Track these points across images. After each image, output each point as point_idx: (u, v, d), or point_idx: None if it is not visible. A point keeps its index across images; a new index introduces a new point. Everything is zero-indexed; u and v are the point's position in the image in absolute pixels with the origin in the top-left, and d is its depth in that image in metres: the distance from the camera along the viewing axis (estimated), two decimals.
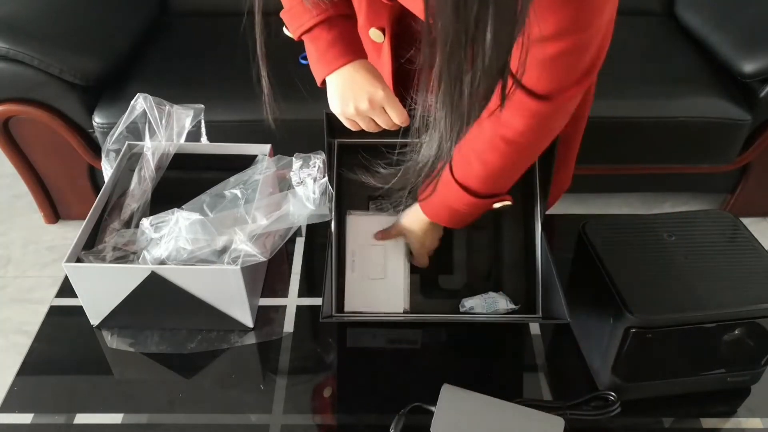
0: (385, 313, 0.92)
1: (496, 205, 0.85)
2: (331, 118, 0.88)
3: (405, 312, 0.92)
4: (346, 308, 0.92)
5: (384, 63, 0.95)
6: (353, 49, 0.84)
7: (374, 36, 0.92)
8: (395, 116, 0.84)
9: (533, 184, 0.92)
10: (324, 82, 0.86)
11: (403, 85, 0.98)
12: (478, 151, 0.79)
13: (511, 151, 0.77)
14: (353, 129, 0.87)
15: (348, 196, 0.97)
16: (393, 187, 0.77)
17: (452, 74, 0.56)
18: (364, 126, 0.86)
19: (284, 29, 0.88)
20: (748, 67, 1.76)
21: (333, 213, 0.91)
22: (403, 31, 0.92)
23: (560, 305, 0.84)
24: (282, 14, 0.87)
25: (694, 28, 2.02)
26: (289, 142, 1.06)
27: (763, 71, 1.75)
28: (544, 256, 0.91)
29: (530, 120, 0.73)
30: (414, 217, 0.92)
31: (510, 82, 0.61)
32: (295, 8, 0.84)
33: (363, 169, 0.95)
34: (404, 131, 0.83)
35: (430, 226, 0.92)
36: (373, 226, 0.96)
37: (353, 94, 0.83)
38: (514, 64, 0.59)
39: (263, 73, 0.86)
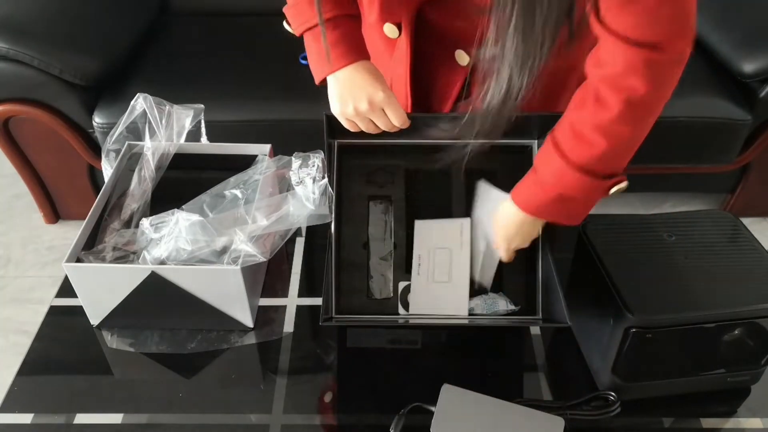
0: (387, 316, 0.93)
1: (614, 189, 0.81)
2: (332, 120, 0.89)
3: (470, 314, 0.92)
4: (411, 310, 0.92)
5: (401, 58, 0.94)
6: (356, 50, 0.83)
7: (388, 31, 0.91)
8: (394, 118, 0.84)
9: None
10: (323, 81, 0.86)
11: (421, 81, 0.97)
12: (602, 125, 0.75)
13: (637, 114, 0.74)
14: (352, 130, 0.87)
15: (348, 196, 0.97)
16: (458, 137, 0.76)
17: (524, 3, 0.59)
18: (363, 127, 0.86)
19: (285, 24, 0.88)
20: (748, 67, 1.76)
21: (333, 214, 0.91)
22: (421, 27, 0.91)
23: (560, 308, 0.84)
24: (285, 9, 0.86)
25: None
26: (289, 142, 1.06)
27: (763, 71, 1.75)
28: (545, 257, 0.91)
29: (647, 71, 0.71)
30: (511, 219, 0.86)
31: (582, 12, 0.65)
32: (299, 4, 0.83)
33: (365, 177, 0.96)
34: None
35: (530, 224, 0.86)
36: (438, 230, 0.95)
37: (353, 95, 0.83)
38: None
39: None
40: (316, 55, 0.84)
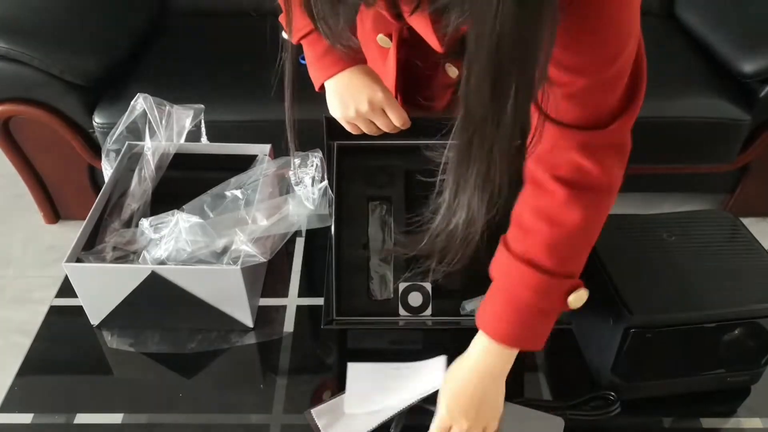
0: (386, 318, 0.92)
1: (572, 298, 0.69)
2: (331, 123, 0.89)
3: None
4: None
5: (389, 68, 0.95)
6: (351, 54, 0.83)
7: (382, 42, 0.92)
8: (395, 118, 0.84)
9: None
10: (322, 87, 0.86)
11: (407, 91, 0.97)
12: (540, 209, 0.68)
13: (580, 200, 0.66)
14: (354, 132, 0.87)
15: (348, 197, 0.97)
16: (419, 253, 0.66)
17: (479, 145, 0.54)
18: (365, 129, 0.86)
19: (282, 33, 0.88)
20: (748, 67, 1.76)
21: (333, 216, 0.91)
22: (409, 39, 0.92)
23: None
24: (281, 19, 0.87)
25: (693, 28, 2.02)
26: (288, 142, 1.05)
27: (763, 71, 1.75)
28: None
29: (585, 154, 0.65)
30: (463, 367, 0.74)
31: (533, 133, 0.60)
32: (294, 12, 0.84)
33: (365, 179, 0.95)
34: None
35: (493, 368, 0.73)
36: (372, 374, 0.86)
37: (353, 97, 0.83)
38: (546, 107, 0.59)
39: (289, 115, 0.84)
40: (314, 61, 0.85)
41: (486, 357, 0.72)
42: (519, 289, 0.69)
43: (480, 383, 0.73)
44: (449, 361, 0.78)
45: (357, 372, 0.85)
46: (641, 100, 0.65)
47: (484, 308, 0.73)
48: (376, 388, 0.83)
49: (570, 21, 0.54)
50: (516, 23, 0.45)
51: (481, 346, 0.73)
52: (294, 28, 0.84)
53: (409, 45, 0.92)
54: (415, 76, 0.95)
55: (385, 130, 0.86)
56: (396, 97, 0.94)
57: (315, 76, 0.86)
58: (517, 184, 0.70)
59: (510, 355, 0.72)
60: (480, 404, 0.72)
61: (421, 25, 0.69)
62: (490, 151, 0.54)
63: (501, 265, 0.71)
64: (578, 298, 0.69)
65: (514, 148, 0.55)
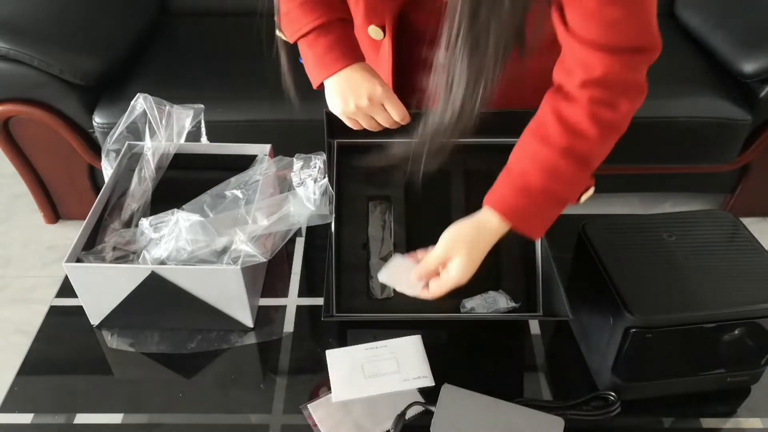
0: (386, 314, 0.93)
1: (584, 197, 0.81)
2: (332, 118, 0.89)
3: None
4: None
5: (384, 60, 0.95)
6: (351, 53, 0.84)
7: (373, 33, 0.92)
8: (395, 113, 0.84)
9: None
10: (320, 86, 0.87)
11: (403, 83, 0.97)
12: (592, 114, 0.74)
13: (629, 104, 0.75)
14: (355, 128, 0.88)
15: (348, 196, 0.97)
16: (419, 152, 0.74)
17: (474, 29, 0.62)
18: (366, 124, 0.87)
19: (277, 32, 0.89)
20: (748, 67, 1.77)
21: (333, 214, 0.91)
22: (404, 29, 0.92)
23: (561, 302, 0.84)
24: (280, 20, 0.87)
25: (694, 28, 2.02)
26: (289, 142, 1.06)
27: (763, 71, 1.75)
28: (545, 253, 0.91)
29: (612, 67, 0.72)
30: (482, 234, 0.79)
31: (529, 33, 0.67)
32: (291, 12, 0.84)
33: (365, 178, 0.96)
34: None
35: (493, 238, 0.80)
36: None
37: (353, 92, 0.83)
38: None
39: (282, 51, 0.87)
40: (312, 60, 0.85)
41: (487, 224, 0.78)
42: (556, 180, 0.76)
43: (478, 235, 0.79)
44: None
45: (336, 358, 0.86)
46: (657, 28, 0.72)
47: (505, 191, 0.78)
48: (357, 372, 0.84)
49: None
50: None
51: (485, 216, 0.78)
52: (292, 28, 0.84)
53: (402, 34, 0.92)
54: (409, 69, 0.95)
55: (385, 125, 0.86)
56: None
57: (313, 74, 0.86)
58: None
59: (503, 229, 0.79)
60: (474, 249, 0.78)
61: None
62: (479, 46, 0.63)
63: (537, 157, 0.76)
64: (588, 195, 0.81)
65: (506, 49, 0.64)
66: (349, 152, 0.96)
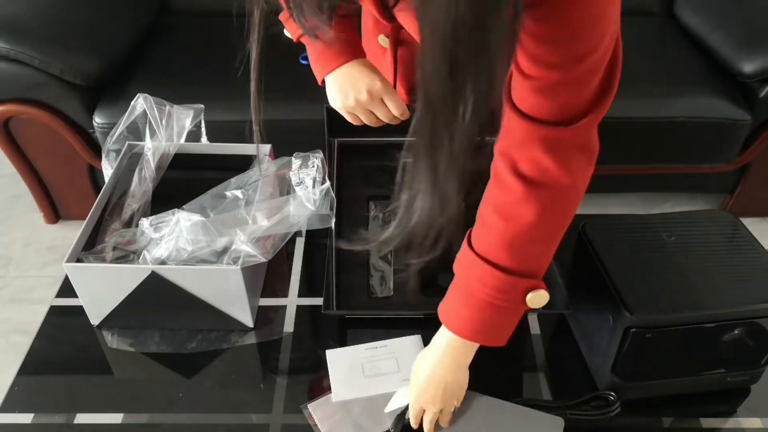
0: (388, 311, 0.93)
1: (530, 297, 0.69)
2: (332, 114, 0.89)
3: None
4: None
5: (388, 67, 0.96)
6: (351, 49, 0.85)
7: (383, 42, 0.93)
8: (394, 108, 0.85)
9: None
10: (323, 81, 0.87)
11: (405, 92, 0.98)
12: (499, 205, 0.67)
13: (540, 194, 0.65)
14: (355, 123, 0.88)
15: (348, 196, 0.97)
16: (391, 242, 0.63)
17: (437, 135, 0.53)
18: (365, 119, 0.87)
19: (284, 31, 0.89)
20: (748, 67, 1.76)
21: (334, 216, 0.91)
22: (407, 39, 0.92)
23: (561, 296, 0.83)
24: (281, 17, 0.87)
25: (693, 28, 2.02)
26: (289, 142, 1.06)
27: (763, 71, 1.75)
28: None
29: (547, 150, 0.64)
30: (432, 357, 0.75)
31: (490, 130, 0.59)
32: None
33: (365, 177, 0.95)
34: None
35: (457, 361, 0.75)
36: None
37: (352, 87, 0.84)
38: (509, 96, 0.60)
39: (254, 85, 0.83)
40: (315, 57, 0.86)
41: (449, 350, 0.74)
42: (478, 286, 0.69)
43: (444, 375, 0.75)
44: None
45: (336, 358, 0.87)
46: (611, 99, 0.63)
47: (447, 303, 0.74)
48: (357, 372, 0.85)
49: (544, 13, 0.53)
50: (472, 9, 0.44)
51: (445, 339, 0.74)
52: (295, 26, 0.84)
53: (405, 45, 0.92)
54: (413, 77, 0.95)
55: (385, 120, 0.86)
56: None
57: (317, 71, 0.87)
58: (481, 181, 0.69)
59: (473, 346, 0.74)
60: (444, 392, 0.75)
61: (407, 20, 0.70)
62: (450, 144, 0.53)
63: (462, 261, 0.71)
64: (537, 297, 0.69)
65: (472, 143, 0.54)
66: (349, 151, 0.96)
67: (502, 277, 0.67)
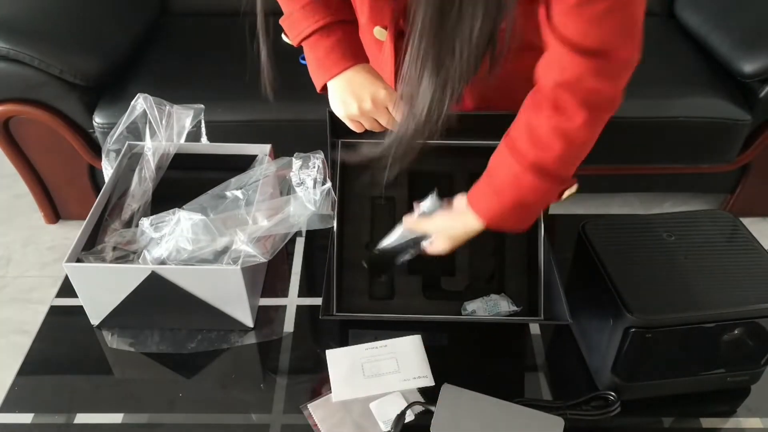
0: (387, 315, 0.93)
1: (566, 194, 0.80)
2: (335, 117, 0.88)
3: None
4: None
5: (386, 60, 0.95)
6: (353, 54, 0.83)
7: (378, 34, 0.92)
8: (398, 115, 0.84)
9: None
10: (324, 89, 0.86)
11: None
12: (559, 128, 0.74)
13: (594, 116, 0.74)
14: (357, 130, 0.87)
15: (351, 197, 0.97)
16: (386, 155, 0.77)
17: (444, 41, 0.62)
18: (368, 126, 0.86)
19: (283, 36, 0.88)
20: (748, 67, 1.76)
21: (336, 214, 0.91)
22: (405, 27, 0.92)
23: (561, 307, 0.84)
24: (281, 21, 0.87)
25: (693, 28, 2.02)
26: (289, 142, 1.06)
27: (763, 71, 1.75)
28: (547, 258, 0.91)
29: (596, 77, 0.71)
30: (458, 223, 0.85)
31: (500, 45, 0.66)
32: (293, 15, 0.84)
33: (368, 178, 0.96)
34: None
35: (477, 230, 0.84)
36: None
37: (356, 96, 0.83)
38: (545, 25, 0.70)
39: (263, 45, 0.86)
40: (315, 63, 0.85)
41: (467, 220, 0.83)
42: (528, 196, 0.78)
43: (457, 229, 0.85)
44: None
45: (336, 358, 0.87)
46: (642, 32, 0.71)
47: (488, 207, 0.81)
48: (357, 372, 0.85)
49: None
50: None
51: (472, 219, 0.82)
52: (295, 31, 0.84)
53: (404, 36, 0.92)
54: None
55: (388, 127, 0.86)
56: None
57: (316, 76, 0.86)
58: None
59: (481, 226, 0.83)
60: (452, 239, 0.86)
61: None
62: (457, 54, 0.63)
63: (510, 174, 0.78)
64: (571, 193, 0.80)
65: (476, 60, 0.64)
66: (353, 152, 0.96)
67: (550, 186, 0.78)
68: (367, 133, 0.88)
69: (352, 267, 0.95)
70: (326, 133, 0.94)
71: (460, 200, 0.85)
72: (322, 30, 0.82)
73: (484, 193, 0.81)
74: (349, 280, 0.94)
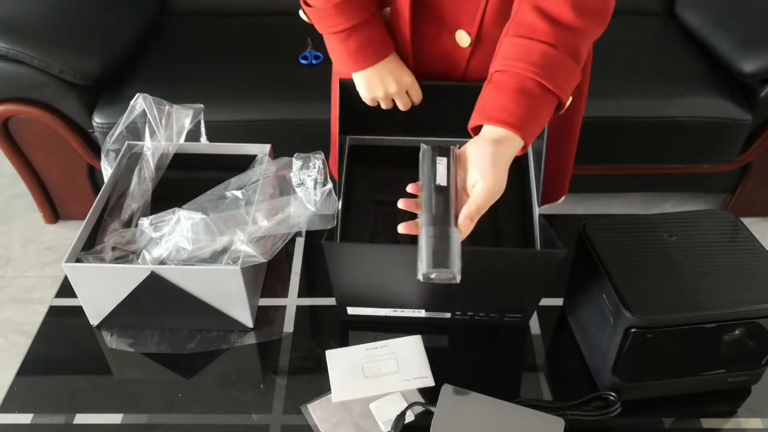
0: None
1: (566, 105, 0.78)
2: (345, 88, 0.94)
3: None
4: None
5: (401, 35, 0.95)
6: (382, 49, 0.92)
7: (386, 15, 0.95)
8: (416, 97, 0.96)
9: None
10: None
11: (421, 65, 0.99)
12: (557, 16, 0.75)
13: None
14: (371, 104, 0.97)
15: (353, 197, 0.97)
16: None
17: None
18: (384, 105, 0.96)
19: (301, 13, 0.91)
20: (748, 67, 1.77)
21: (339, 214, 0.91)
22: (421, 7, 0.93)
23: (552, 239, 0.82)
24: (309, 11, 0.89)
25: (694, 28, 2.02)
26: (289, 142, 1.06)
27: (763, 71, 1.75)
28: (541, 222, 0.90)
29: None
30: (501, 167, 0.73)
31: None
32: (325, 10, 0.87)
33: (373, 176, 0.97)
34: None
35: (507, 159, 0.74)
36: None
37: (383, 82, 0.93)
38: None
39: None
40: (345, 54, 0.92)
41: (506, 143, 0.74)
42: (537, 66, 0.74)
43: (495, 156, 0.72)
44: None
45: (336, 358, 0.87)
46: None
47: (491, 102, 0.76)
48: (357, 372, 0.85)
49: None
50: None
51: (497, 135, 0.74)
52: (324, 23, 0.88)
53: (419, 16, 0.92)
54: (426, 51, 0.97)
55: (403, 109, 0.96)
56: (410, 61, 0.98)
57: (346, 65, 0.93)
58: None
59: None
60: (496, 168, 0.72)
61: None
62: None
63: (528, 54, 0.75)
64: (566, 105, 0.79)
65: None
66: (358, 155, 0.97)
67: (560, 57, 0.76)
68: (375, 129, 0.95)
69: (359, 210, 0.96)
70: (326, 134, 0.95)
71: (478, 142, 0.74)
72: (354, 27, 0.88)
73: (504, 98, 0.75)
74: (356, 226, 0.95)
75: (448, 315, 0.91)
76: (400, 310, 0.90)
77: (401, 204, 0.72)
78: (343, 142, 0.98)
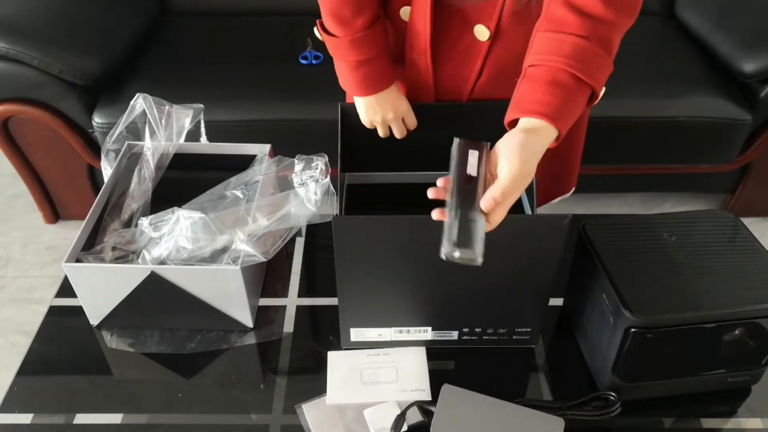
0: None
1: (598, 99, 0.79)
2: (345, 112, 0.96)
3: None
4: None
5: (421, 45, 0.95)
6: (387, 79, 0.96)
7: (404, 15, 0.95)
8: (411, 124, 1.00)
9: None
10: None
11: (440, 62, 0.99)
12: (588, 10, 0.76)
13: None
14: (369, 127, 1.00)
15: (354, 198, 0.98)
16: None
17: None
18: (381, 133, 1.00)
19: (316, 31, 0.96)
20: (748, 67, 1.77)
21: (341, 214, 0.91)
22: (438, 5, 0.93)
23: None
24: (326, 38, 0.94)
25: (694, 28, 2.02)
26: (289, 142, 1.06)
27: (763, 71, 1.75)
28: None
29: None
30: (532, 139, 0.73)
31: None
32: (342, 43, 0.92)
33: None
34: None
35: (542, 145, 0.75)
36: None
37: (382, 108, 0.97)
38: None
39: None
40: (352, 80, 0.96)
41: (538, 132, 0.74)
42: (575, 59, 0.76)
43: (524, 146, 0.72)
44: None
45: (336, 360, 0.87)
46: None
47: (526, 96, 0.77)
48: (355, 377, 0.85)
49: None
50: None
51: (530, 125, 0.75)
52: (338, 52, 0.94)
53: (436, 13, 0.93)
54: (444, 48, 0.97)
55: (398, 136, 1.00)
56: (429, 73, 0.99)
57: (350, 89, 0.97)
58: None
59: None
60: (523, 157, 0.71)
61: None
62: None
63: (560, 47, 0.76)
64: (599, 98, 0.80)
65: None
66: (358, 153, 0.98)
67: (593, 50, 0.77)
68: (373, 166, 1.01)
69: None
70: (326, 134, 0.95)
71: (510, 133, 0.74)
72: (364, 61, 0.93)
73: (539, 92, 0.76)
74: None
75: (455, 335, 0.89)
76: (406, 330, 0.88)
77: (431, 193, 0.73)
78: (342, 180, 0.99)
